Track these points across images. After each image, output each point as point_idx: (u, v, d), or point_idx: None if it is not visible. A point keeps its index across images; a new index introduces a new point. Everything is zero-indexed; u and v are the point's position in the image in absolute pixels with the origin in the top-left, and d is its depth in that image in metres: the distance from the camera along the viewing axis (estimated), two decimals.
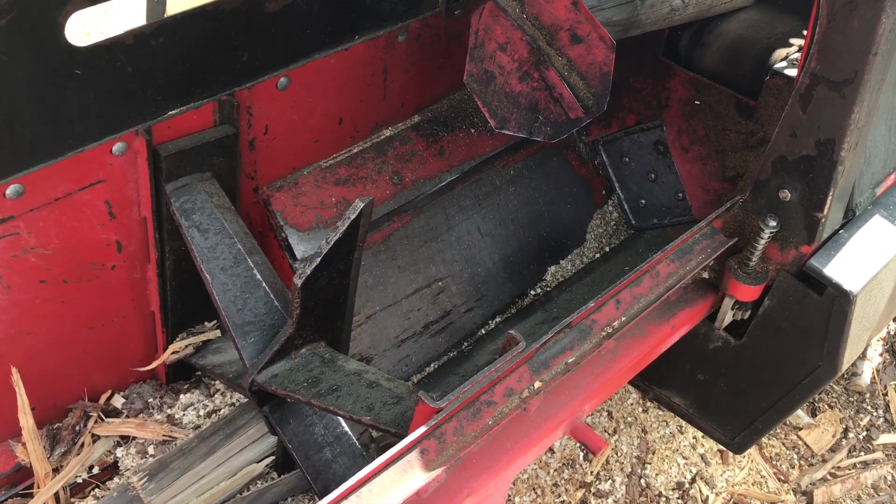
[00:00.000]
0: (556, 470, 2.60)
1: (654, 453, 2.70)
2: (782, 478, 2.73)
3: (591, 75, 2.08)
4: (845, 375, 3.02)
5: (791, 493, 2.70)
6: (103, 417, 2.20)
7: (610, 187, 2.80)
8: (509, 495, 2.51)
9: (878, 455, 2.85)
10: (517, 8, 2.07)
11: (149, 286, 2.13)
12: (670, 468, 2.67)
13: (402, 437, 1.47)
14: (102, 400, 2.22)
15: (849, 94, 1.66)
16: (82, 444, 2.16)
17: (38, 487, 2.07)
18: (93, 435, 2.18)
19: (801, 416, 2.89)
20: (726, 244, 1.94)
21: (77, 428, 2.16)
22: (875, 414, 2.96)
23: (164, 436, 2.19)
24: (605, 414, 2.76)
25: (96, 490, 2.17)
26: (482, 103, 2.17)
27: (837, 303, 1.86)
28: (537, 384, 1.60)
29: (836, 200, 1.83)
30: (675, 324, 1.95)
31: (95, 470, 2.17)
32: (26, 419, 2.02)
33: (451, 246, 2.51)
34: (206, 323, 2.23)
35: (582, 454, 2.65)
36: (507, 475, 1.61)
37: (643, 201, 2.74)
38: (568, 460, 2.62)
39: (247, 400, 2.19)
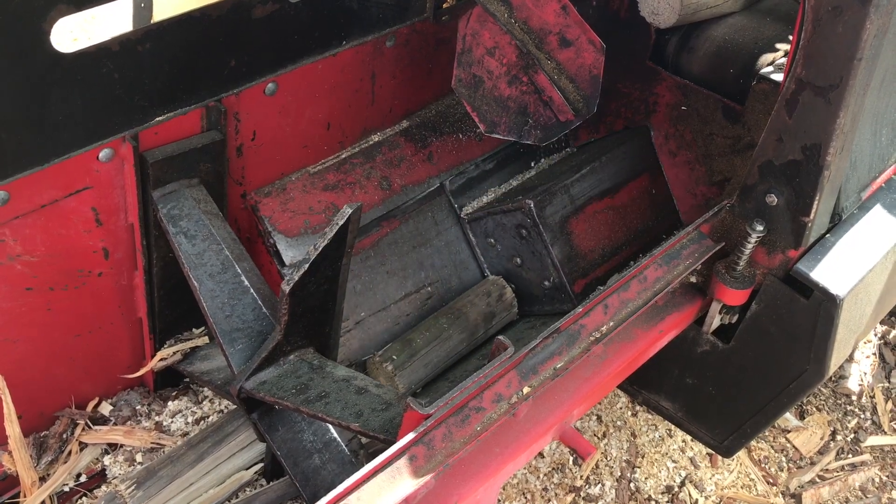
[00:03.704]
0: (545, 474, 2.60)
1: (643, 457, 2.70)
2: (771, 480, 2.74)
3: (581, 78, 2.08)
4: (833, 378, 3.04)
5: (780, 495, 2.71)
6: (91, 425, 2.18)
7: None
8: (499, 500, 2.51)
9: (866, 457, 2.86)
10: (505, 13, 2.07)
11: (136, 293, 2.12)
12: (660, 472, 2.68)
13: (390, 443, 1.47)
14: (90, 407, 2.21)
15: (834, 99, 1.67)
16: (69, 453, 2.14)
17: (25, 496, 2.06)
18: (80, 443, 2.16)
19: (789, 418, 2.90)
20: (714, 248, 1.95)
21: (64, 436, 2.15)
22: (863, 416, 2.97)
23: (151, 443, 2.17)
24: (594, 418, 2.76)
25: (84, 498, 2.16)
26: (471, 108, 2.18)
27: (824, 307, 1.87)
28: (526, 389, 1.60)
29: (822, 205, 1.84)
30: (663, 328, 1.95)
31: (83, 478, 2.16)
32: (13, 427, 2.01)
33: (440, 251, 2.50)
34: (193, 330, 2.22)
35: (572, 458, 2.65)
36: (496, 481, 1.61)
37: (513, 286, 2.48)
38: (558, 465, 2.62)
39: (235, 406, 2.18)
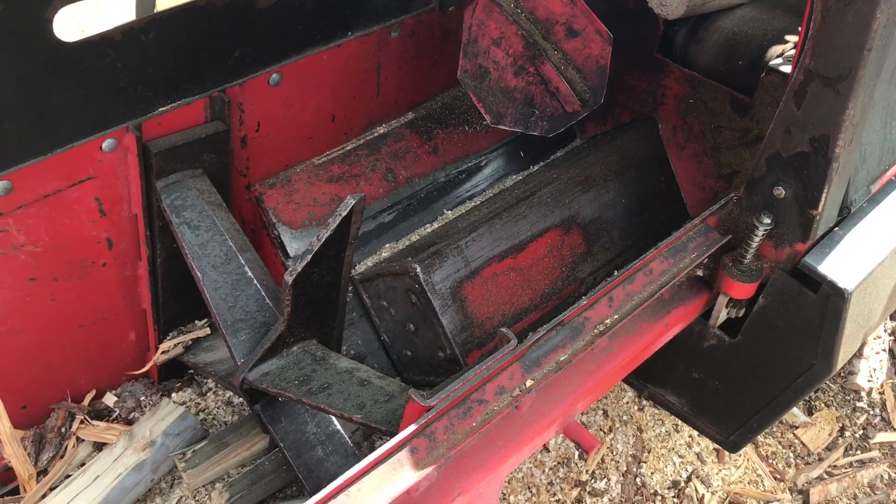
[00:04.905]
0: (551, 468, 2.59)
1: (649, 452, 2.69)
2: (778, 476, 2.72)
3: (588, 68, 2.07)
4: (841, 374, 3.01)
5: (787, 491, 2.69)
6: (89, 419, 2.18)
7: None
8: (504, 494, 2.50)
9: (875, 454, 2.84)
10: (511, 3, 2.06)
11: (140, 283, 2.12)
12: (666, 467, 2.66)
13: (393, 435, 1.46)
14: (87, 400, 2.20)
15: (843, 90, 1.65)
16: (66, 448, 2.14)
17: (24, 489, 2.06)
18: (77, 437, 2.16)
19: (797, 414, 2.88)
20: (720, 241, 1.93)
21: (62, 430, 2.14)
22: (871, 412, 2.95)
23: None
24: (600, 412, 2.75)
25: None
26: (477, 99, 2.16)
27: (832, 301, 1.85)
28: (529, 382, 1.58)
29: (830, 197, 1.81)
30: (669, 321, 1.93)
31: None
32: (2, 423, 2.00)
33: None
34: (196, 322, 2.22)
35: (577, 453, 2.64)
36: (499, 474, 1.60)
37: (409, 352, 2.23)
38: (563, 459, 2.61)
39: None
